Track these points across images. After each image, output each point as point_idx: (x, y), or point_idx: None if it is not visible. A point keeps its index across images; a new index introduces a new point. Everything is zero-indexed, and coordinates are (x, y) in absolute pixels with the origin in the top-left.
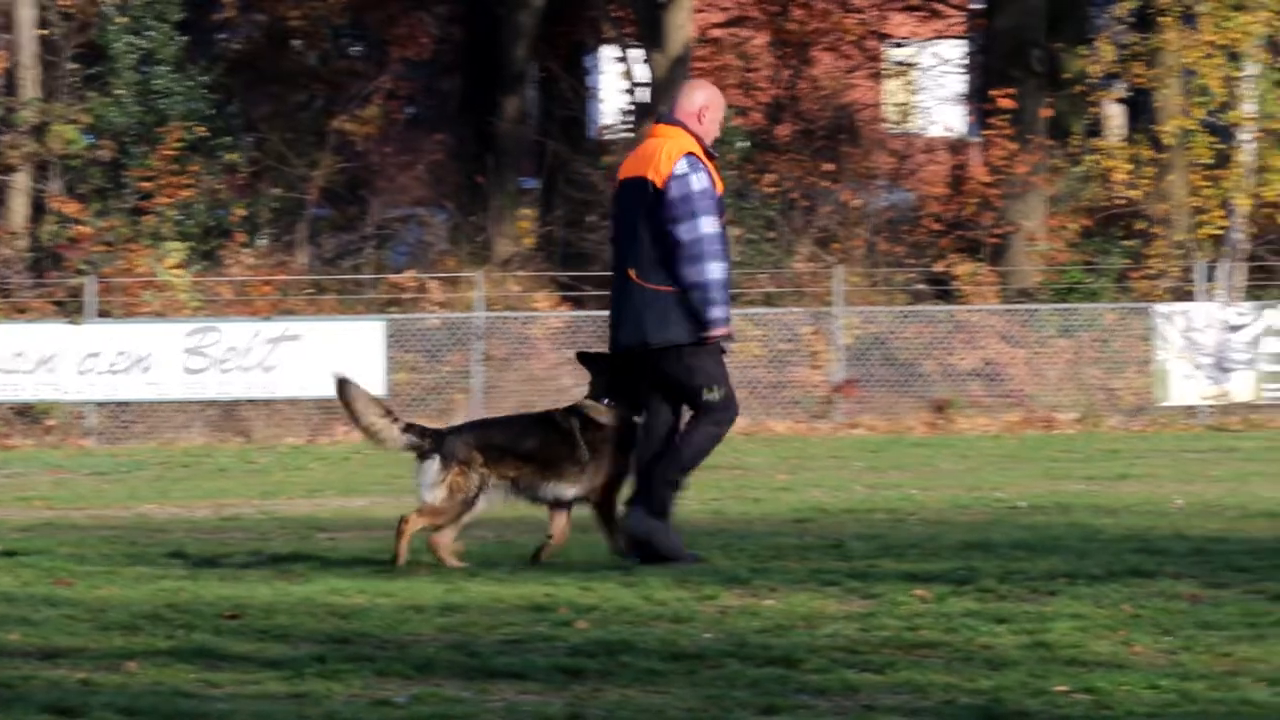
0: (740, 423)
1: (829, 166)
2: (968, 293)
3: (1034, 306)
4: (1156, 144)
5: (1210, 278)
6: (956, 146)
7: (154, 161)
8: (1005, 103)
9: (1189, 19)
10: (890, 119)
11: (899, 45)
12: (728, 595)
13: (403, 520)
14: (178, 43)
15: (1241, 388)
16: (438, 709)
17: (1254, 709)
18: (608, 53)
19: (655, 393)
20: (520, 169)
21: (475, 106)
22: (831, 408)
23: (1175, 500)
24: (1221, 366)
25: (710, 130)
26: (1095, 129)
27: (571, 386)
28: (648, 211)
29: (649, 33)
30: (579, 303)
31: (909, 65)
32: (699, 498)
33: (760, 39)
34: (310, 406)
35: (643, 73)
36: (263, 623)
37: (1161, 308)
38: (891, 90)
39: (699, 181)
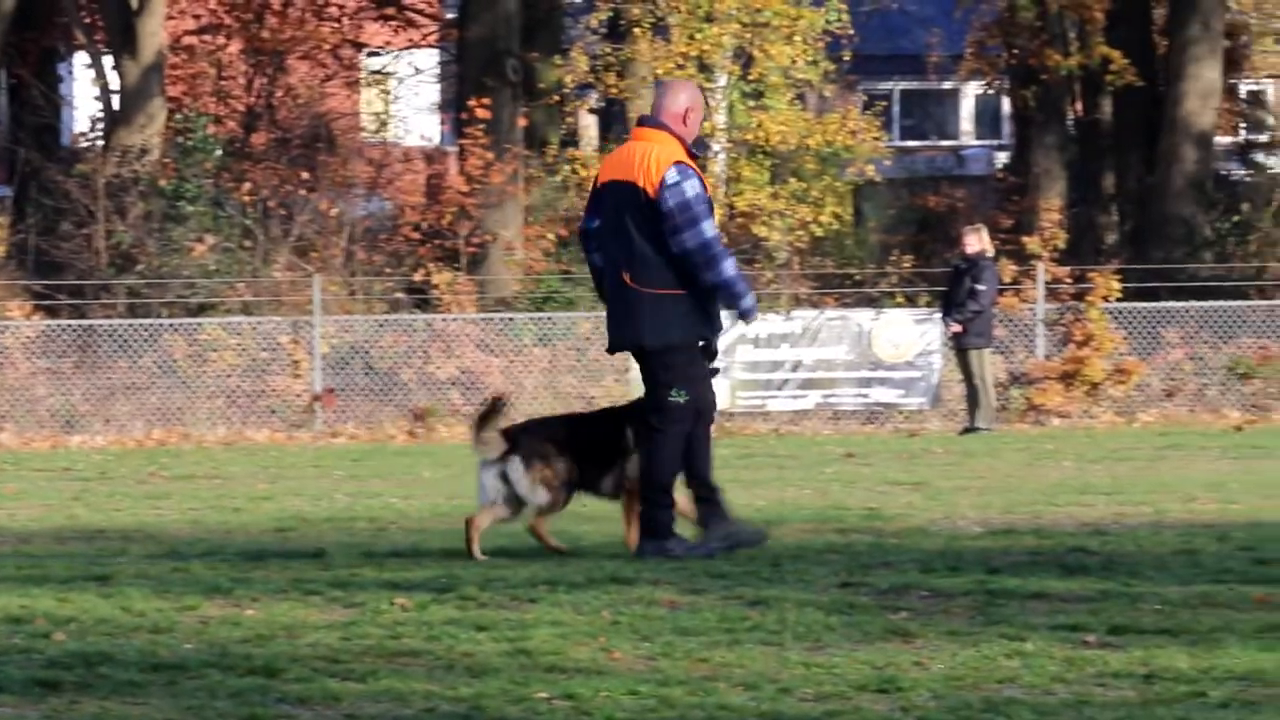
0: (219, 432)
1: (306, 175)
2: (446, 301)
3: (511, 315)
4: None
5: None
6: (433, 156)
7: None
8: (481, 112)
9: (660, 30)
10: (367, 128)
11: (375, 54)
12: (209, 605)
13: (534, 530)
14: None
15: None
16: None
17: (731, 713)
18: (80, 60)
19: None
20: None
21: None
22: (312, 417)
23: None
24: None
25: (693, 131)
26: (571, 138)
27: (45, 396)
28: (640, 218)
29: (121, 40)
30: (53, 311)
31: (385, 74)
32: (179, 508)
33: (234, 47)
34: None
35: (116, 80)
36: None
37: None
38: (368, 99)
39: (692, 188)
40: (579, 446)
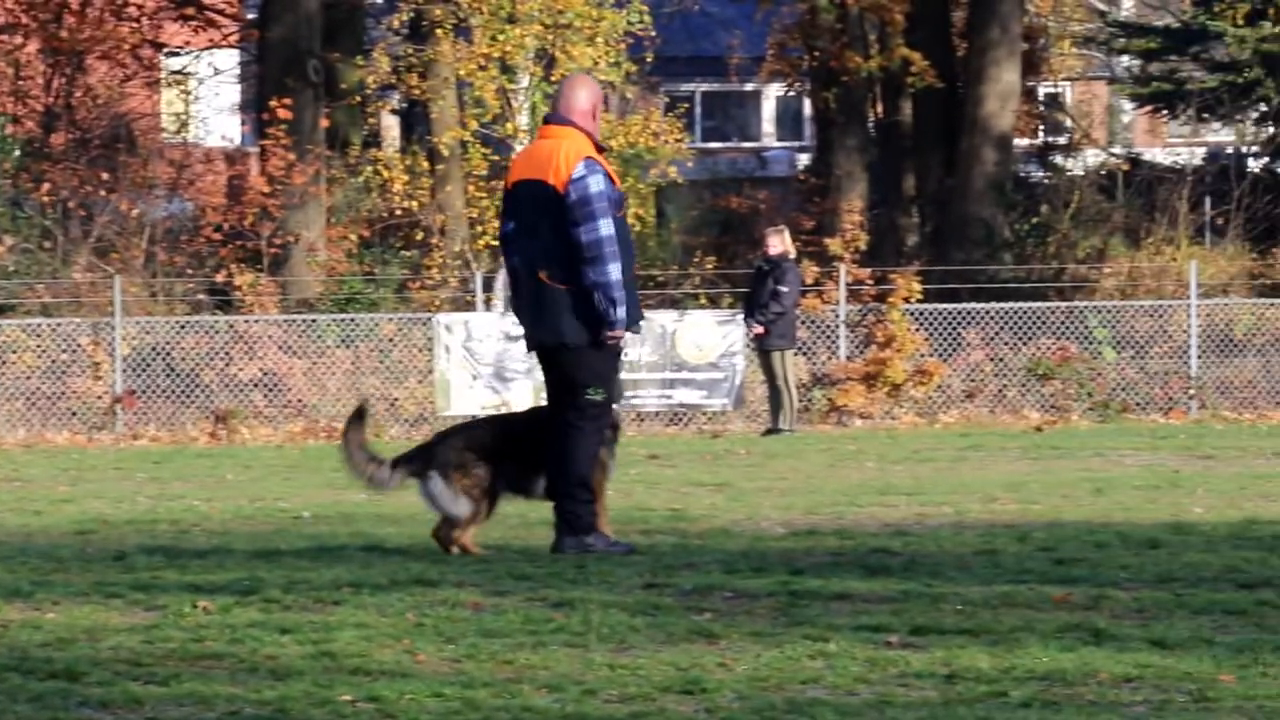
0: (19, 434)
1: (106, 176)
2: (248, 303)
3: (314, 316)
4: (433, 155)
5: (489, 288)
6: (234, 156)
7: None
8: (282, 113)
9: (463, 31)
10: (168, 128)
11: (174, 54)
12: (9, 609)
13: (450, 546)
14: None
15: (521, 397)
16: None
17: (536, 715)
18: None
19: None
20: None
21: None
22: (113, 419)
23: None
24: (501, 376)
25: (598, 126)
26: (374, 139)
27: None
28: (553, 215)
29: None
30: None
31: (185, 74)
32: None
33: (32, 46)
34: None
35: None
36: None
37: (442, 318)
38: (168, 99)
39: (596, 184)
40: (507, 449)
